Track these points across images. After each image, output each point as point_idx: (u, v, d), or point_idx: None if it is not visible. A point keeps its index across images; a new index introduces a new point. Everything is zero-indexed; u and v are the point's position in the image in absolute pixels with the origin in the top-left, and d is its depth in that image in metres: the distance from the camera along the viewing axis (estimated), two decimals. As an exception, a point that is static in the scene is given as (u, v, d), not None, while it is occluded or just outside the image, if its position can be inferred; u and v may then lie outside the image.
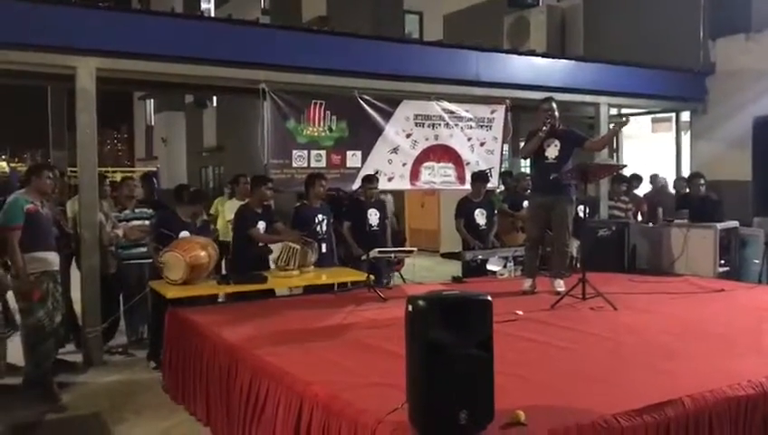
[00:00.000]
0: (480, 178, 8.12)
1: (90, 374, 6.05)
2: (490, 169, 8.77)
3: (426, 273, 9.45)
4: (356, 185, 7.78)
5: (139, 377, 5.96)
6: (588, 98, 9.36)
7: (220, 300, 6.59)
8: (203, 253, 5.90)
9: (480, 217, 8.00)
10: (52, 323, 5.48)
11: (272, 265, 6.67)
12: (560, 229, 6.38)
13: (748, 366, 3.75)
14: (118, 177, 15.08)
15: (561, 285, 6.18)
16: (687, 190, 8.95)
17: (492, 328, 2.85)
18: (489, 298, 2.87)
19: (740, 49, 9.87)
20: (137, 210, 7.12)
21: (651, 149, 12.04)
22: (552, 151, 6.30)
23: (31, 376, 5.46)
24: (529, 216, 6.79)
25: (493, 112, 8.79)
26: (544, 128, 6.26)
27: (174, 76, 6.94)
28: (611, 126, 6.10)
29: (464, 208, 8.09)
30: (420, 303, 2.77)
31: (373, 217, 7.36)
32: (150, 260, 6.45)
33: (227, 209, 7.56)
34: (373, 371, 3.73)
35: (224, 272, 7.06)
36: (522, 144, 7.31)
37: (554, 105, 6.40)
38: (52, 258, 5.55)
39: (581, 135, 6.56)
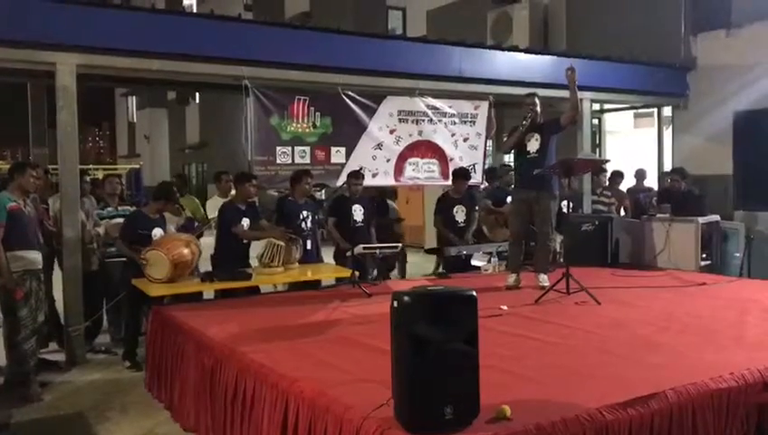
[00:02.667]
0: (461, 175, 8.10)
1: (73, 373, 6.02)
2: (473, 164, 8.78)
3: (410, 268, 9.46)
4: (340, 181, 7.77)
5: (123, 375, 5.93)
6: (571, 93, 9.39)
7: (205, 297, 6.56)
8: (186, 250, 5.89)
9: (460, 213, 7.95)
10: (35, 323, 5.44)
11: (255, 262, 6.63)
12: (543, 224, 6.40)
13: (730, 359, 3.79)
14: (100, 174, 14.95)
15: (545, 280, 6.21)
16: (669, 185, 9.01)
17: (477, 323, 2.86)
18: (474, 293, 2.87)
19: (720, 44, 9.95)
20: (120, 208, 7.07)
21: (633, 144, 12.13)
22: (534, 145, 6.33)
23: (13, 375, 5.42)
24: (512, 211, 6.80)
25: (476, 108, 8.80)
26: (524, 122, 6.30)
27: (156, 72, 6.86)
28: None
29: (443, 205, 8.07)
30: (405, 298, 2.77)
31: (358, 212, 7.35)
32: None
33: (209, 207, 7.50)
34: (359, 367, 3.73)
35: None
36: (505, 139, 7.32)
37: (537, 100, 6.42)
38: (36, 257, 5.50)
39: (554, 119, 6.48)
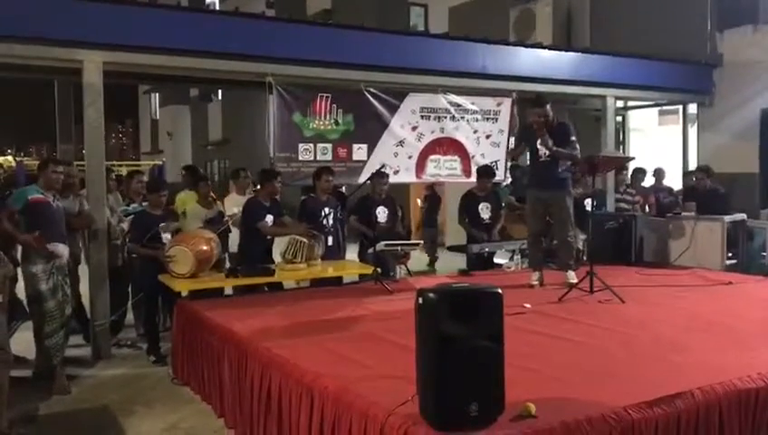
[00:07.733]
0: (485, 172, 8.07)
1: (98, 367, 6.09)
2: (496, 161, 8.75)
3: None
4: (362, 178, 7.75)
5: (148, 370, 5.98)
6: (594, 90, 9.33)
7: (227, 293, 6.61)
8: (206, 247, 5.94)
9: (485, 211, 7.93)
10: (63, 316, 5.50)
11: (278, 259, 6.67)
12: (561, 223, 6.37)
13: (758, 359, 3.74)
14: (123, 171, 15.10)
15: (572, 277, 6.13)
16: (695, 183, 8.92)
17: (502, 320, 2.85)
18: (500, 290, 2.87)
19: (747, 41, 9.82)
20: (144, 204, 7.13)
21: (658, 142, 12.01)
22: (545, 148, 6.25)
23: (41, 368, 5.50)
24: (528, 210, 6.75)
25: (499, 105, 8.76)
26: (539, 139, 6.16)
27: (181, 69, 6.92)
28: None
29: (468, 203, 8.04)
30: (431, 295, 2.77)
31: (382, 214, 7.36)
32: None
33: (227, 204, 7.52)
34: (382, 363, 3.74)
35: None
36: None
37: (548, 108, 6.23)
38: (62, 250, 5.56)
39: (566, 137, 6.23)
